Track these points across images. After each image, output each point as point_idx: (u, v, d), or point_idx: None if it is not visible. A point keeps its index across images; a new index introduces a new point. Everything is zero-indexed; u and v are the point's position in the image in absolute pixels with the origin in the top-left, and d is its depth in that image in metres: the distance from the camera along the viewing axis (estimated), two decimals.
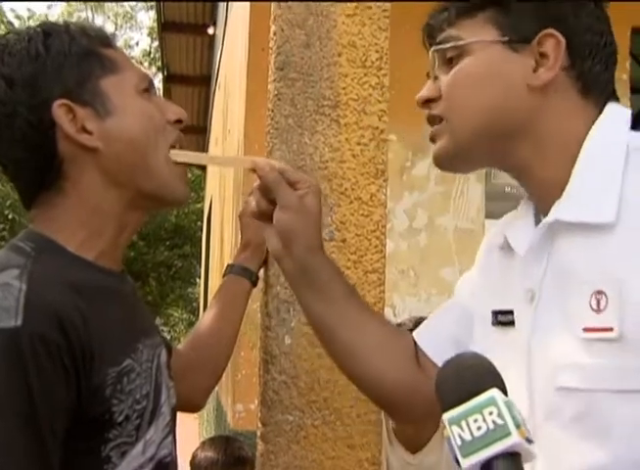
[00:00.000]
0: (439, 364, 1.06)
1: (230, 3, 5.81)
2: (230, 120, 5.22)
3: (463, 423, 0.77)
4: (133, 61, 1.21)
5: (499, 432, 0.75)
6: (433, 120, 1.07)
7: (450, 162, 1.08)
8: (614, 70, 1.04)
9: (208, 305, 1.55)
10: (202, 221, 9.64)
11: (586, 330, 0.90)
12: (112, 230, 1.10)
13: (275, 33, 1.51)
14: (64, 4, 24.35)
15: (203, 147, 11.18)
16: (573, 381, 0.90)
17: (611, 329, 0.87)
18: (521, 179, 1.05)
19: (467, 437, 0.76)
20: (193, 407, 1.50)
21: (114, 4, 25.33)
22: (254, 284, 1.53)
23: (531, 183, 1.04)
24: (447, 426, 0.78)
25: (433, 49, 1.06)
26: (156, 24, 9.98)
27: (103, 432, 1.00)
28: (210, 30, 8.20)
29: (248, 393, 3.25)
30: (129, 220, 1.12)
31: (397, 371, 1.17)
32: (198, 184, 13.53)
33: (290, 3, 1.50)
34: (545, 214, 0.99)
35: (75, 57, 1.07)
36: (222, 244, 5.80)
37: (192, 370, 1.40)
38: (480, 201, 3.53)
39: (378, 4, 1.53)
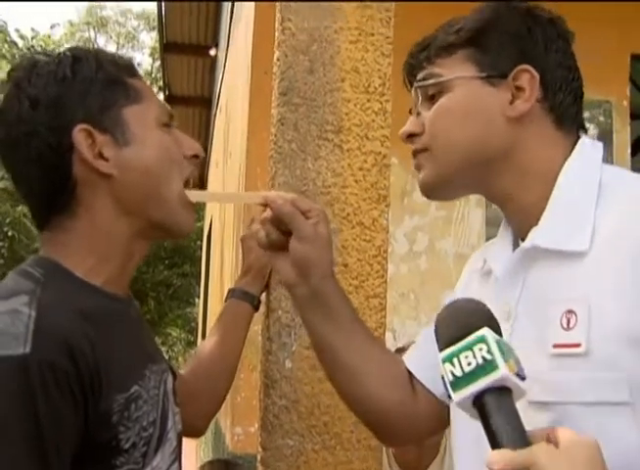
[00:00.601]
0: (431, 388, 1.17)
1: (232, 26, 5.85)
2: (231, 143, 5.23)
3: (455, 360, 0.81)
4: None
5: (487, 366, 0.79)
6: (416, 153, 1.13)
7: (435, 190, 1.13)
8: (582, 102, 1.10)
9: (210, 329, 1.55)
10: (201, 241, 9.64)
11: (556, 346, 0.95)
12: (120, 257, 1.10)
13: (279, 59, 1.52)
14: (66, 24, 24.53)
15: (202, 167, 11.21)
16: (545, 395, 0.94)
17: (579, 345, 0.93)
18: (501, 205, 1.11)
19: (458, 372, 0.81)
20: (195, 433, 1.49)
21: (115, 24, 25.53)
22: (256, 308, 1.53)
23: (511, 209, 1.09)
24: (441, 365, 0.83)
25: (415, 86, 1.12)
26: (157, 45, 10.03)
27: (110, 459, 0.99)
28: (212, 52, 8.24)
29: (247, 415, 3.22)
30: (136, 249, 1.13)
31: (395, 395, 1.20)
32: (198, 203, 13.53)
33: (294, 29, 1.51)
34: (523, 239, 1.05)
35: (101, 84, 1.08)
36: (222, 264, 5.80)
37: (194, 396, 1.39)
38: (480, 226, 3.53)
39: (380, 31, 1.55)
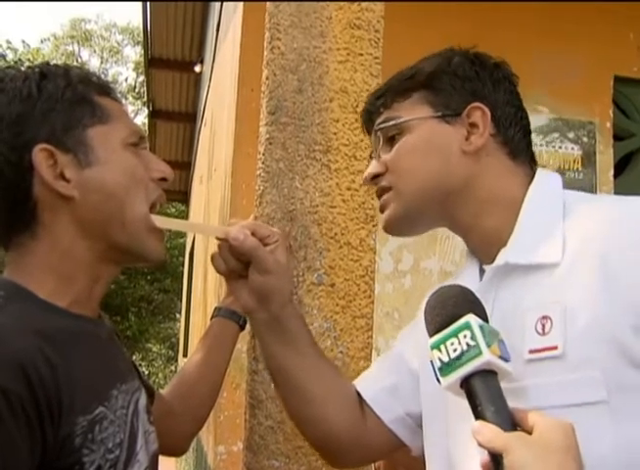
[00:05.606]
0: (378, 413, 1.21)
1: (218, 41, 5.86)
2: (216, 159, 5.21)
3: (442, 347, 0.87)
4: (119, 95, 1.19)
5: (472, 352, 0.85)
6: (381, 192, 1.17)
7: (399, 226, 1.18)
8: (530, 138, 1.18)
9: (195, 347, 1.53)
10: (183, 256, 9.59)
11: (531, 352, 0.99)
12: (84, 280, 1.07)
13: (268, 78, 1.52)
14: (52, 38, 24.46)
15: (186, 183, 11.18)
16: (521, 401, 0.95)
17: (555, 347, 0.97)
18: (465, 235, 1.17)
19: (445, 358, 0.86)
20: (176, 452, 1.47)
21: (99, 38, 25.50)
22: (242, 327, 1.52)
23: (474, 237, 1.15)
24: (430, 351, 0.88)
25: (375, 128, 1.18)
26: (142, 60, 10.02)
27: None
28: (197, 69, 8.23)
29: (230, 434, 3.19)
30: (102, 272, 1.10)
31: (343, 418, 1.23)
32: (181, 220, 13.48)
33: (283, 49, 1.51)
34: (489, 263, 1.10)
35: (67, 102, 1.06)
36: (206, 280, 5.77)
37: (176, 416, 1.37)
38: (464, 245, 3.53)
39: (369, 51, 1.56)
